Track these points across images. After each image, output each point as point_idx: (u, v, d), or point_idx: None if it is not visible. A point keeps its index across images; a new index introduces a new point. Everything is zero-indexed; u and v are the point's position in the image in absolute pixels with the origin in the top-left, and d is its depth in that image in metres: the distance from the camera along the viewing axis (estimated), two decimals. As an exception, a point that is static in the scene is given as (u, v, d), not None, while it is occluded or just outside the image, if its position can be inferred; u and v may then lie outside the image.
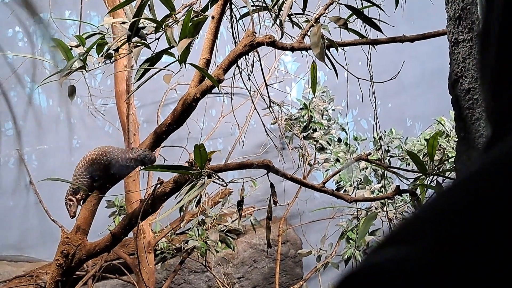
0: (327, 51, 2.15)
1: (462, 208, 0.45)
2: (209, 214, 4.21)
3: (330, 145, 4.60)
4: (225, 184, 2.02)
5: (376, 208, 3.90)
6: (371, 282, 0.43)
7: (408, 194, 2.09)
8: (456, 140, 1.56)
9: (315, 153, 4.77)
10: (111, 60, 2.17)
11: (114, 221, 4.31)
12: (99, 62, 2.15)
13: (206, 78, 2.18)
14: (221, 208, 4.29)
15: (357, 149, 4.66)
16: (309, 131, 4.73)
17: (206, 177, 1.93)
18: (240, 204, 2.13)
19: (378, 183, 4.16)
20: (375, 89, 2.82)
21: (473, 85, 1.39)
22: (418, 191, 2.08)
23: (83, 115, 5.09)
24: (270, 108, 2.66)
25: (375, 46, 2.27)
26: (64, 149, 5.11)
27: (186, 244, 4.16)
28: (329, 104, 4.73)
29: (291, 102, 5.07)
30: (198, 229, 4.12)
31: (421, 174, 2.06)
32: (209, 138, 5.19)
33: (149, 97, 5.11)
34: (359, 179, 4.15)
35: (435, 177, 2.19)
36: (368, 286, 0.43)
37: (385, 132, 4.39)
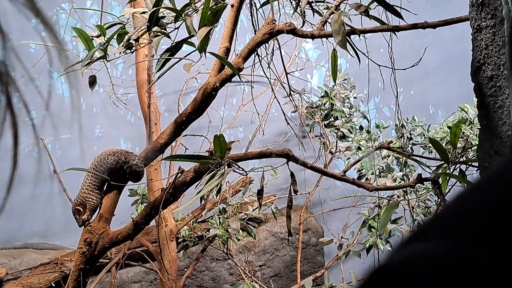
0: (348, 38, 2.13)
1: (493, 203, 0.44)
2: (230, 203, 4.22)
3: (351, 133, 4.58)
4: (245, 173, 2.02)
5: (398, 197, 3.87)
6: (401, 276, 0.43)
7: (430, 182, 2.07)
8: (480, 127, 1.54)
9: (337, 141, 4.74)
10: (132, 50, 2.18)
11: (136, 210, 4.34)
12: (119, 52, 2.16)
13: (226, 67, 2.18)
14: (242, 196, 4.30)
15: (379, 137, 4.62)
16: (330, 119, 4.70)
17: (226, 167, 1.94)
18: (260, 193, 2.13)
19: (400, 171, 4.12)
20: (397, 76, 2.79)
21: (496, 72, 1.37)
22: (440, 180, 2.06)
23: (105, 104, 5.13)
24: (290, 97, 2.65)
25: (396, 33, 2.24)
26: (87, 139, 5.15)
27: (207, 232, 4.18)
28: (350, 91, 4.70)
29: (312, 90, 5.04)
30: (219, 218, 4.13)
31: (443, 162, 2.04)
32: (229, 127, 5.19)
33: (170, 86, 5.12)
34: (381, 167, 4.12)
35: (458, 165, 2.17)
36: (399, 280, 0.43)
37: (407, 119, 4.35)
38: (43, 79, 4.87)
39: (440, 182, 2.02)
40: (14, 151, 0.57)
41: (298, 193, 2.25)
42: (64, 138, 5.09)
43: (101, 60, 2.10)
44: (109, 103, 5.08)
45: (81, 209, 2.40)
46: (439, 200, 2.11)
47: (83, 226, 2.37)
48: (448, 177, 2.03)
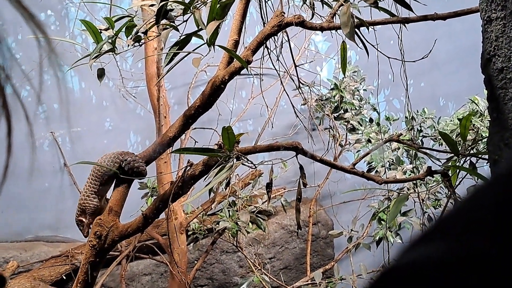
0: (357, 30, 2.12)
1: (503, 199, 0.44)
2: (239, 196, 4.22)
3: (361, 125, 4.56)
4: (254, 167, 2.01)
5: (408, 189, 3.86)
6: (409, 279, 0.43)
7: (440, 175, 2.06)
8: (490, 120, 1.53)
9: (346, 134, 4.73)
10: (140, 43, 2.18)
11: (146, 203, 4.36)
12: (128, 45, 2.16)
13: (235, 60, 2.17)
14: (251, 189, 4.30)
15: (389, 129, 4.60)
16: (340, 112, 4.69)
17: (234, 160, 1.93)
18: (269, 186, 2.12)
19: (410, 163, 4.10)
20: (407, 68, 2.78)
21: (506, 64, 1.35)
22: (450, 172, 2.04)
23: (114, 97, 5.14)
24: (299, 89, 2.64)
25: (406, 25, 2.23)
26: (97, 132, 5.17)
27: (217, 225, 4.19)
28: (360, 84, 4.68)
29: (321, 82, 5.02)
30: (229, 211, 4.14)
31: (453, 155, 2.03)
32: (239, 119, 5.19)
33: (180, 79, 5.12)
34: (391, 160, 4.10)
35: (468, 157, 2.15)
36: (411, 280, 0.43)
37: (417, 111, 4.32)
38: (53, 72, 4.88)
39: (450, 175, 2.01)
40: (8, 142, 0.59)
41: (307, 186, 2.25)
42: (74, 131, 5.11)
43: (110, 53, 2.10)
44: (118, 96, 5.09)
45: (83, 219, 2.42)
46: (449, 192, 2.10)
47: (87, 228, 2.39)
48: (458, 170, 2.02)
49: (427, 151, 2.23)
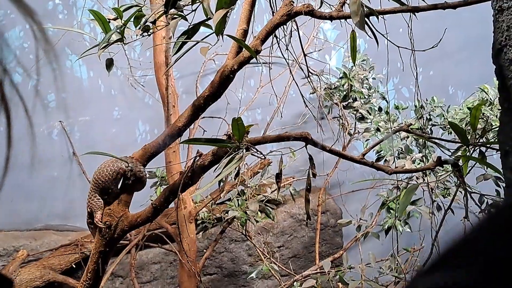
0: (366, 19, 2.10)
1: (501, 236, 0.46)
2: (248, 185, 4.23)
3: (370, 114, 4.54)
4: (263, 157, 2.01)
5: (417, 178, 3.85)
6: None
7: (450, 165, 2.05)
8: (500, 109, 1.52)
9: (355, 122, 4.71)
10: (149, 33, 2.17)
11: (155, 192, 4.37)
12: (136, 35, 2.15)
13: (244, 49, 2.17)
14: (260, 178, 4.30)
15: (398, 118, 4.58)
16: (349, 101, 4.67)
17: (244, 150, 1.93)
18: (278, 176, 2.12)
19: (419, 152, 4.09)
20: (417, 57, 2.76)
21: (518, 55, 1.34)
22: (460, 162, 2.03)
23: (123, 86, 5.14)
24: (308, 78, 2.63)
25: (416, 13, 2.21)
26: (106, 121, 5.18)
27: (226, 214, 4.20)
28: (369, 72, 4.65)
29: (330, 71, 5.00)
30: (238, 200, 4.14)
31: (462, 144, 2.02)
32: (247, 108, 5.18)
33: (188, 68, 5.12)
34: (400, 149, 4.09)
35: (477, 147, 2.14)
36: None
37: (426, 100, 4.30)
38: (61, 62, 4.89)
39: (460, 165, 2.00)
40: (8, 133, 0.59)
41: (316, 176, 2.25)
42: (83, 120, 5.12)
43: (118, 43, 2.09)
44: (127, 85, 5.09)
45: (92, 224, 2.43)
46: (459, 182, 2.09)
47: (102, 226, 2.40)
48: (468, 160, 2.01)
49: (437, 141, 2.22)
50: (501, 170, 1.55)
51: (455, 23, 5.14)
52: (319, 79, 4.74)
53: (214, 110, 4.61)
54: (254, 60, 2.28)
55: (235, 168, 1.90)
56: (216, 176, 1.89)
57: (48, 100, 4.97)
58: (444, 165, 2.15)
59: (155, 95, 4.87)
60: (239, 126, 1.88)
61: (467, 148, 2.01)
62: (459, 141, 2.01)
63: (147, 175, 2.36)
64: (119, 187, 2.37)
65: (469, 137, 2.23)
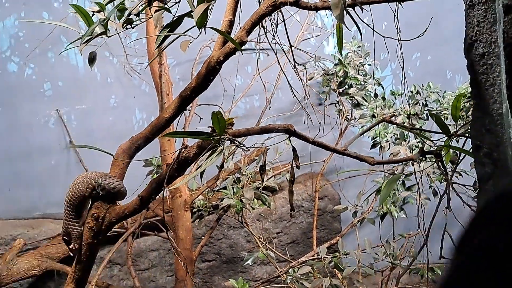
0: (352, 9, 2.09)
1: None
2: (244, 172, 4.23)
3: (366, 101, 4.53)
4: (247, 150, 2.01)
5: (412, 164, 3.84)
6: None
7: (432, 155, 2.05)
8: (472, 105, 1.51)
9: (352, 109, 4.71)
10: (132, 26, 2.17)
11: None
12: (119, 27, 2.15)
13: (230, 39, 2.16)
14: (257, 165, 4.30)
15: (394, 103, 4.56)
16: (344, 87, 4.66)
17: (227, 143, 1.93)
18: (262, 168, 2.12)
19: (415, 138, 4.08)
20: (414, 41, 2.77)
21: (488, 50, 1.33)
22: (443, 152, 2.03)
23: (119, 74, 5.13)
24: (295, 68, 2.62)
25: (401, 3, 2.19)
26: (102, 109, 5.18)
27: (221, 202, 4.20)
28: (365, 58, 4.63)
29: (328, 57, 4.98)
30: (233, 188, 4.14)
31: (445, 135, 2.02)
32: (244, 95, 5.17)
33: (184, 55, 5.08)
34: (396, 135, 4.09)
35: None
36: None
37: (422, 86, 4.28)
38: (57, 50, 4.88)
39: (443, 155, 2.00)
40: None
41: (314, 162, 2.25)
42: (79, 109, 5.13)
43: (102, 36, 2.09)
44: (123, 73, 5.09)
45: (68, 239, 2.47)
46: (441, 174, 2.09)
47: (75, 253, 2.44)
48: (449, 149, 2.01)
49: (422, 130, 2.21)
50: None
51: (453, 7, 5.10)
52: (316, 65, 4.73)
53: (211, 97, 4.62)
54: (251, 46, 2.27)
55: (217, 161, 1.90)
56: (197, 169, 1.89)
57: (44, 89, 4.97)
58: (427, 156, 2.15)
59: (151, 83, 4.86)
60: (219, 120, 1.88)
61: (448, 139, 2.01)
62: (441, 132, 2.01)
63: (123, 188, 2.38)
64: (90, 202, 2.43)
65: (455, 127, 2.23)
